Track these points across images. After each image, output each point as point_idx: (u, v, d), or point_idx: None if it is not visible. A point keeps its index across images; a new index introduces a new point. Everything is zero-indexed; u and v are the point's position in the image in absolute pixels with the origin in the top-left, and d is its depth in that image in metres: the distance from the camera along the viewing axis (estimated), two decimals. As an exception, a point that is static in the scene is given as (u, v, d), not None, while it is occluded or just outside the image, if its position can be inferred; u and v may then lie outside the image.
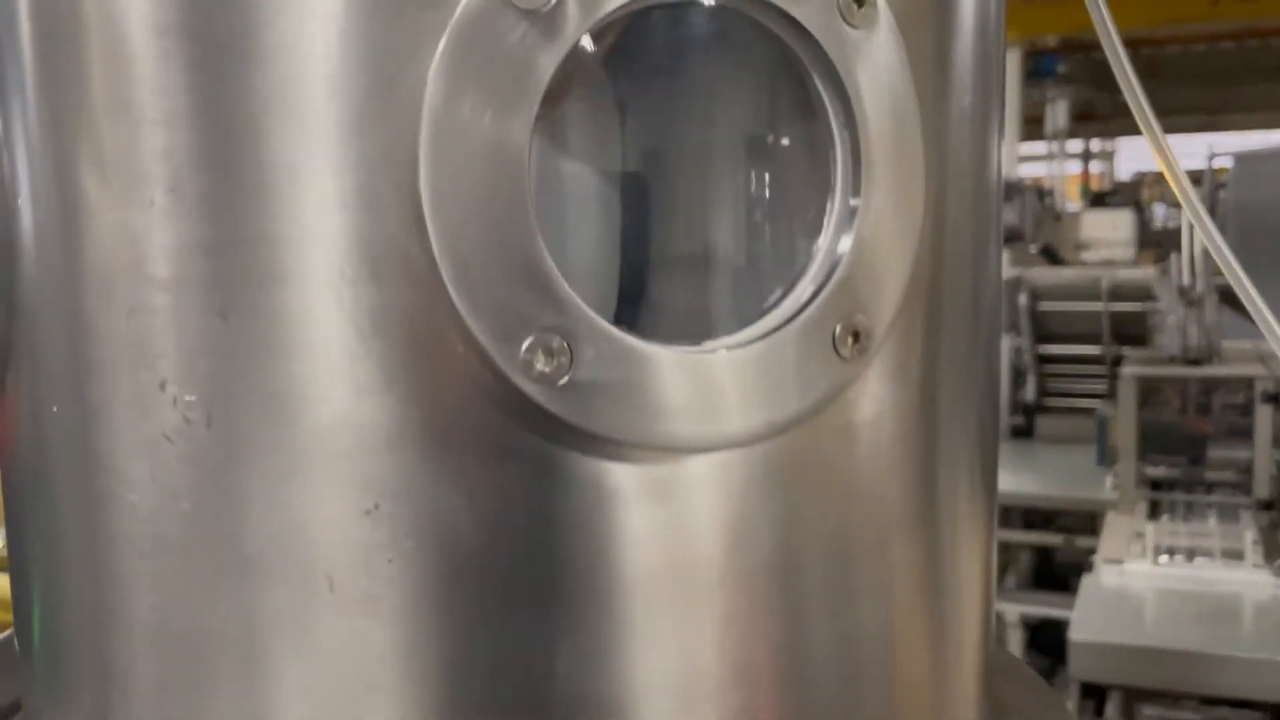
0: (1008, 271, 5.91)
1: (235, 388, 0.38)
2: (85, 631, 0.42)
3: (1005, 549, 5.13)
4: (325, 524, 0.37)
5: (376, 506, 0.37)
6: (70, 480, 0.42)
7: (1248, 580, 3.29)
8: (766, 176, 0.45)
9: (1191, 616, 3.09)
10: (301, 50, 0.36)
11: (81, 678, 0.44)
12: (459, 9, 0.35)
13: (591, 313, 0.36)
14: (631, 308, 0.41)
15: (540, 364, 0.35)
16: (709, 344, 0.38)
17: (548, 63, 0.35)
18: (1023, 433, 5.31)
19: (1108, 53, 0.71)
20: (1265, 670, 2.83)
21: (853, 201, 0.38)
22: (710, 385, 0.37)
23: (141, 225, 0.38)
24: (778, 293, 0.39)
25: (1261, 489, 4.03)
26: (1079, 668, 2.99)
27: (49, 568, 0.45)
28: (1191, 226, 4.74)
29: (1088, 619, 3.10)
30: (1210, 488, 4.25)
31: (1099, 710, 3.19)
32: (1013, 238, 6.60)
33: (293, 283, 0.37)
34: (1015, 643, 4.59)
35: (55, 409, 0.41)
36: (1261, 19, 10.77)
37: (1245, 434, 4.21)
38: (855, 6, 0.37)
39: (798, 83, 0.39)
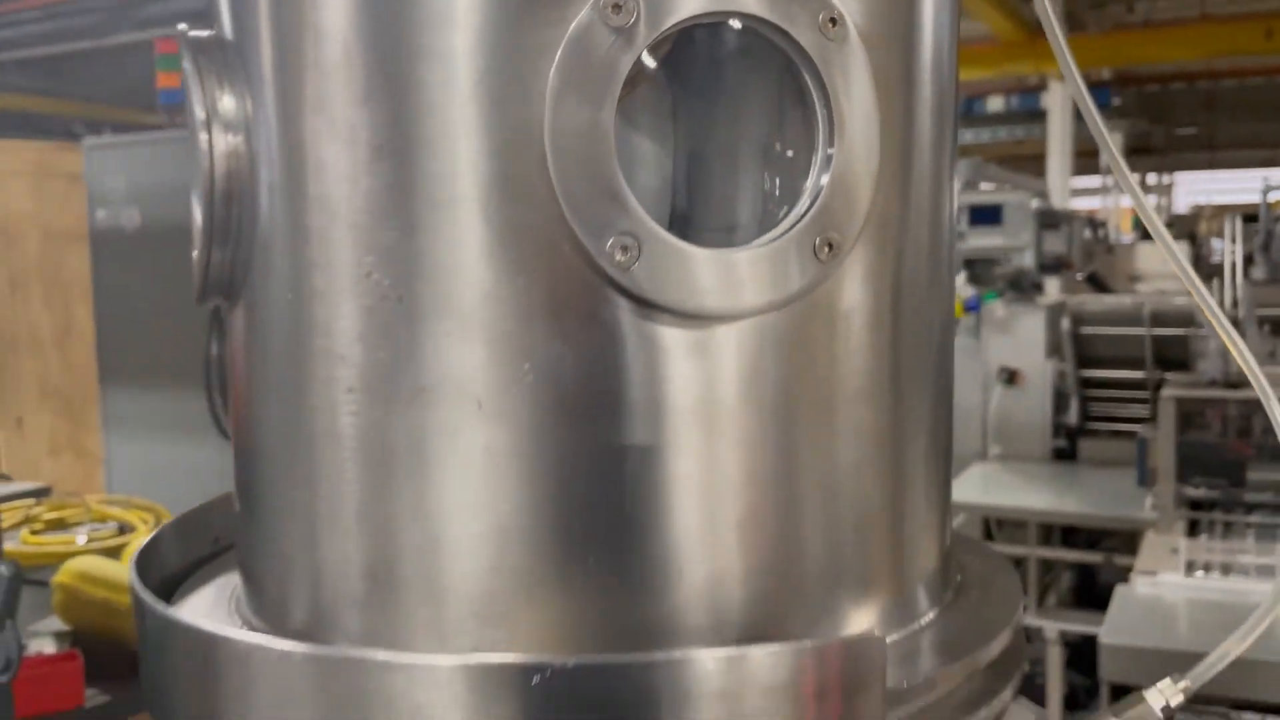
0: (1053, 297, 6.02)
1: (417, 274, 0.57)
2: (301, 449, 0.62)
3: (1048, 568, 5.22)
4: (476, 365, 0.57)
5: (508, 351, 0.56)
6: (292, 342, 0.61)
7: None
8: (774, 137, 0.64)
9: (1221, 625, 3.17)
10: (456, 54, 0.55)
11: (293, 488, 0.63)
12: (570, 29, 0.54)
13: (653, 222, 0.55)
14: (681, 222, 0.60)
15: (619, 255, 0.54)
16: (730, 249, 0.57)
17: (626, 62, 0.55)
18: (1065, 455, 5.40)
19: (1068, 82, 0.80)
20: (1292, 675, 2.91)
21: (829, 150, 0.56)
22: (731, 274, 0.56)
23: (353, 170, 0.58)
24: (779, 215, 0.58)
25: (1300, 510, 4.08)
26: (1109, 670, 3.10)
27: (268, 412, 0.65)
28: (1234, 253, 4.82)
29: (1119, 625, 3.21)
30: (1249, 509, 4.31)
31: (1114, 697, 3.28)
32: (1060, 266, 6.66)
33: (455, 206, 0.56)
34: (1054, 660, 4.66)
35: (289, 295, 0.61)
36: (1317, 53, 10.75)
37: (1285, 456, 4.26)
38: (831, 26, 0.56)
39: (793, 75, 0.58)
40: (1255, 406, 4.53)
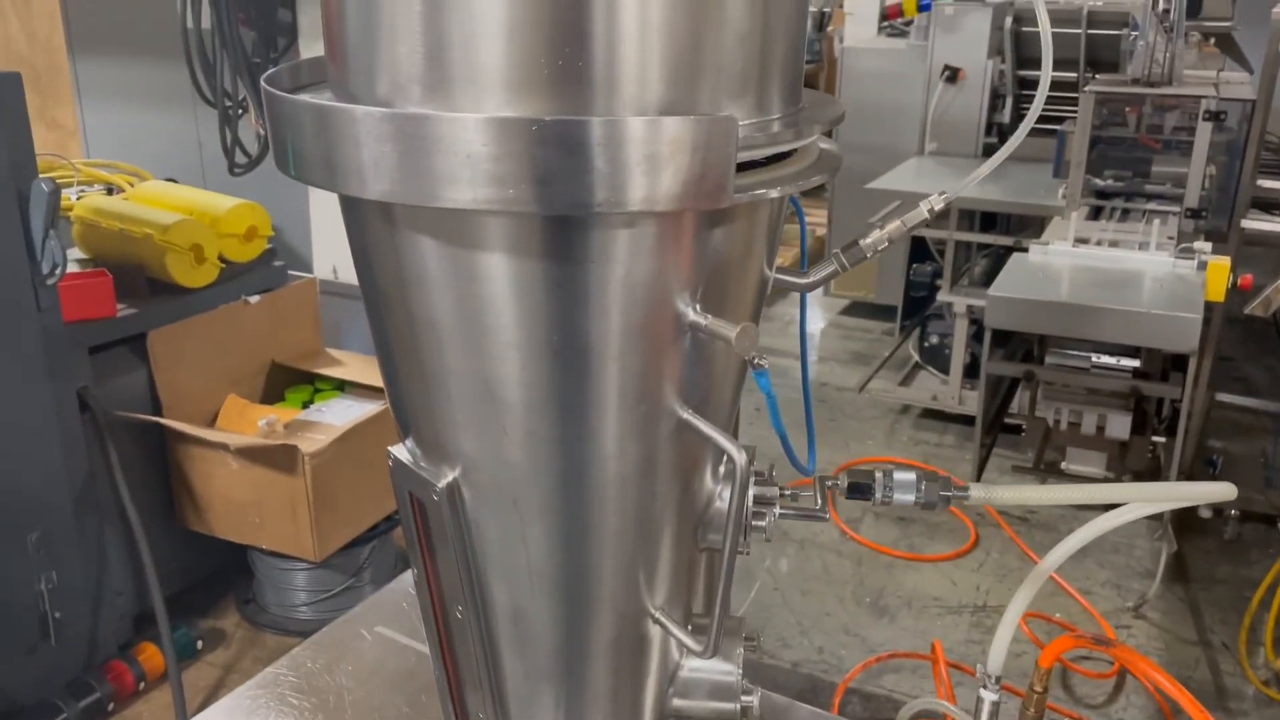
0: (1002, -2, 6.18)
1: None
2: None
3: (966, 258, 5.73)
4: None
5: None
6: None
7: (1150, 259, 3.87)
8: None
9: (1097, 283, 3.68)
10: None
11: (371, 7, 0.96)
12: None
13: None
14: None
15: None
16: None
17: None
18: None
19: None
20: (1148, 320, 3.44)
21: None
22: None
23: None
24: None
25: (1191, 198, 4.52)
26: (992, 318, 3.62)
27: None
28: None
29: (1007, 282, 3.70)
30: (1149, 199, 4.76)
31: (1008, 357, 3.86)
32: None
33: None
34: (960, 331, 5.26)
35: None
36: None
37: (1187, 149, 4.66)
38: None
39: None
40: (1168, 104, 4.89)
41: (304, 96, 0.98)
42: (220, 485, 3.19)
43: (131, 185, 4.26)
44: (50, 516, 2.88)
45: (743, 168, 0.98)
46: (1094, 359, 3.71)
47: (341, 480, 3.13)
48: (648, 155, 0.89)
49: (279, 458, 3.05)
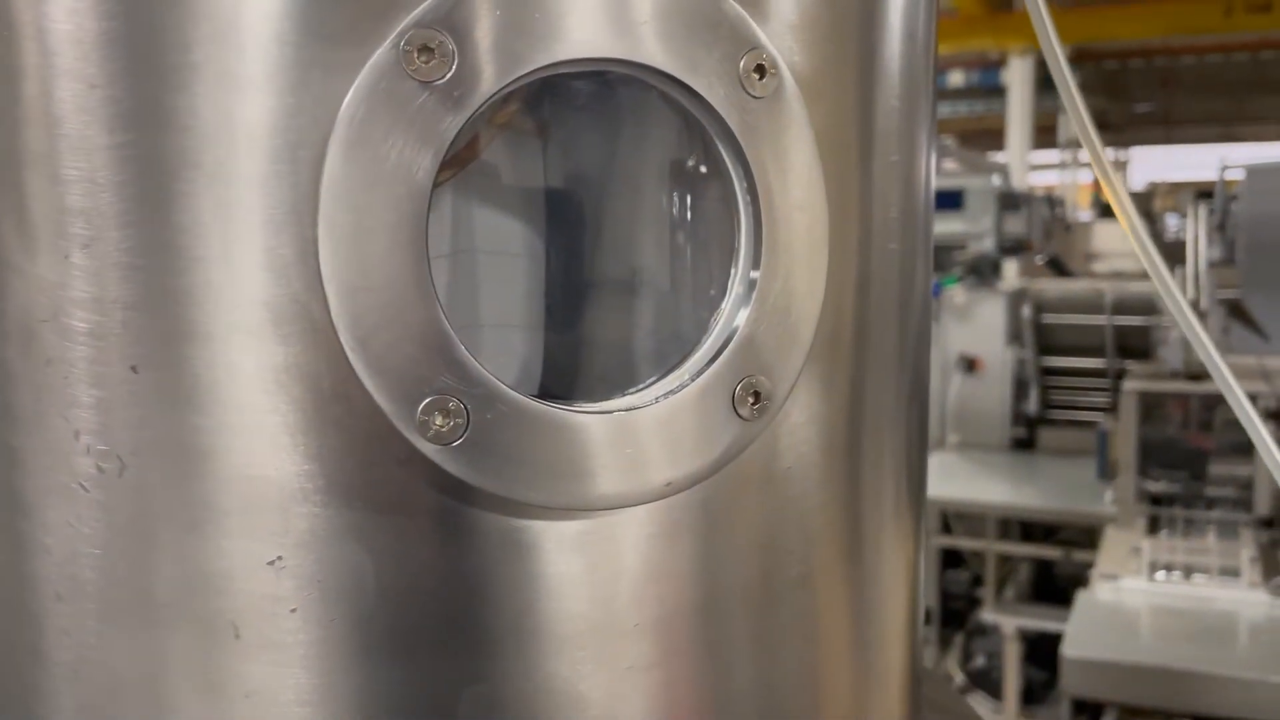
0: (1013, 283, 5.91)
1: (146, 439, 0.38)
2: (6, 667, 0.43)
3: (1005, 562, 5.12)
4: (230, 574, 0.38)
5: (280, 559, 0.38)
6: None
7: (1243, 599, 3.28)
8: (675, 239, 0.46)
9: (1185, 634, 3.08)
10: (211, 116, 0.36)
11: (3, 711, 0.44)
12: (359, 78, 0.35)
13: (490, 375, 0.37)
14: (542, 365, 0.42)
15: (437, 424, 0.36)
16: (609, 404, 0.39)
17: (447, 129, 0.36)
18: (1024, 444, 5.30)
19: (1048, 59, 0.71)
20: (1259, 690, 2.82)
21: (753, 274, 0.38)
22: (607, 446, 0.38)
23: (59, 279, 0.39)
24: (680, 355, 0.40)
25: (1262, 506, 4.01)
26: (1071, 683, 2.99)
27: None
28: (1197, 239, 4.73)
29: (1081, 635, 3.09)
30: (1210, 504, 4.23)
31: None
32: (1019, 249, 6.55)
33: (202, 339, 0.38)
34: (1012, 656, 4.58)
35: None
36: (1277, 30, 10.73)
37: (1246, 450, 4.18)
38: (756, 77, 0.38)
39: (708, 148, 0.40)
40: (1216, 399, 4.45)
41: None
42: None
43: None
44: None
45: None
46: (1198, 728, 3.04)
47: None
48: None
49: None
